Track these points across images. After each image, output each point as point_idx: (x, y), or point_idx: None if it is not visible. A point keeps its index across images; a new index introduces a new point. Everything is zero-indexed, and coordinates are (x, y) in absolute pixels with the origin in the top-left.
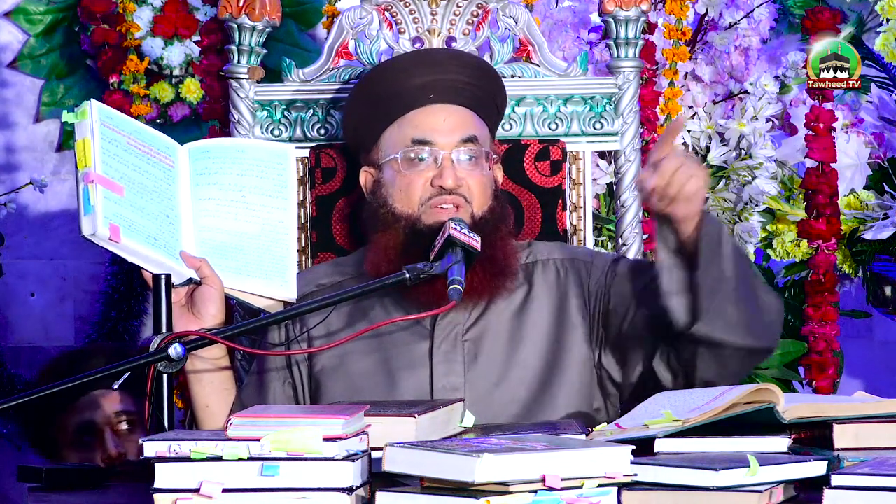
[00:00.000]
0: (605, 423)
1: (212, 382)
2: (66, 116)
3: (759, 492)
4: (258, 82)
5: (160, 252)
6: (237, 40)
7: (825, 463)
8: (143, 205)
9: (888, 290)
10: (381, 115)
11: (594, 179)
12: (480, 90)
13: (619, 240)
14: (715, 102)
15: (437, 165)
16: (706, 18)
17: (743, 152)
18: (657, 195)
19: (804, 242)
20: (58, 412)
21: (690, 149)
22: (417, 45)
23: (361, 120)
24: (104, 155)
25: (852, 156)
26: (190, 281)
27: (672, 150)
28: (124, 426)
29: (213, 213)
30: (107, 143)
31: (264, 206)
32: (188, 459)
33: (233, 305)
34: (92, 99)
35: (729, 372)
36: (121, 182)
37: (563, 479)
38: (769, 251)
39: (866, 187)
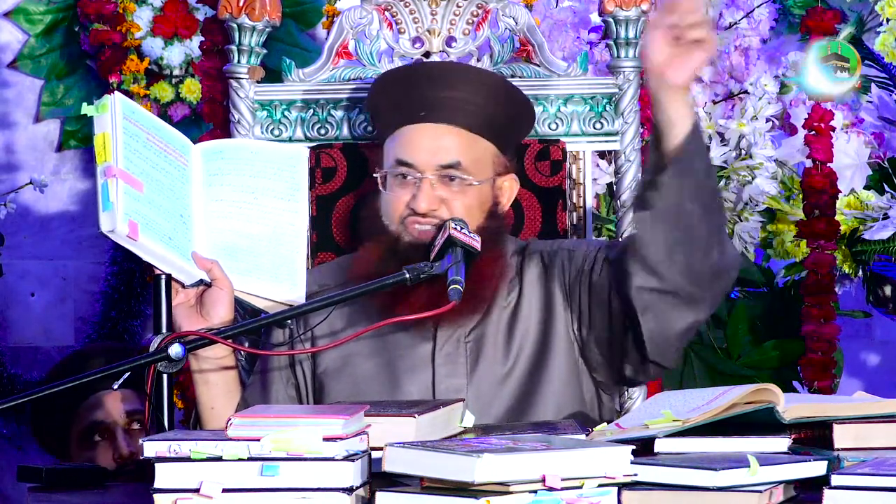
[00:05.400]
0: (605, 423)
1: (217, 384)
2: (86, 109)
3: (759, 492)
4: (258, 82)
5: (174, 252)
6: (237, 40)
7: (825, 463)
8: (160, 203)
9: (888, 290)
10: (382, 124)
11: (594, 179)
12: (487, 109)
13: (619, 240)
14: (715, 102)
15: (415, 187)
16: None
17: (743, 152)
18: (672, 33)
19: (804, 242)
20: (67, 412)
21: None
22: (417, 46)
23: (373, 123)
24: (126, 150)
25: (852, 156)
26: (200, 282)
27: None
28: (136, 425)
29: (225, 215)
30: (128, 137)
31: (276, 209)
32: (188, 459)
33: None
34: (116, 92)
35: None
36: (140, 178)
37: (563, 479)
38: (769, 251)
39: (866, 187)
